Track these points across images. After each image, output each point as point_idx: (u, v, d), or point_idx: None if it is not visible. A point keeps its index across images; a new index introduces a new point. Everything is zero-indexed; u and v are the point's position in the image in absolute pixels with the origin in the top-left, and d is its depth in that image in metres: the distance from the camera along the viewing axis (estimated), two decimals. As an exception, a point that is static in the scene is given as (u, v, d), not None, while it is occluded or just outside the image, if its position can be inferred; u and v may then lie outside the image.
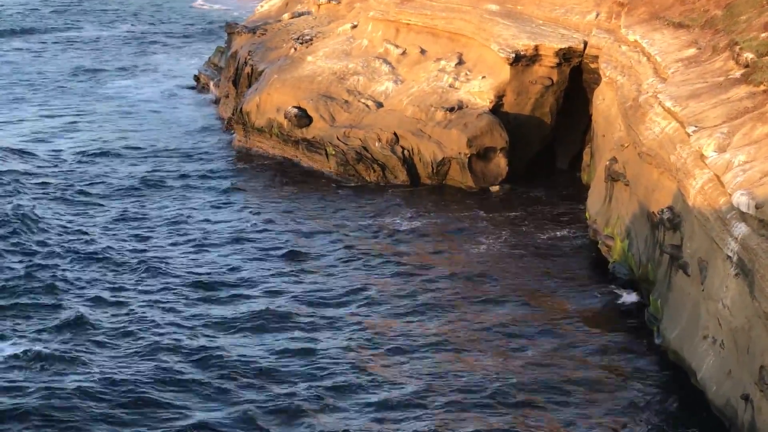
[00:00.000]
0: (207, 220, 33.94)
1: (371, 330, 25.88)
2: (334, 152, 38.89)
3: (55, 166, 39.92)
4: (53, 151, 42.03)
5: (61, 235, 31.95)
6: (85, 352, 23.89)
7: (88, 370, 22.85)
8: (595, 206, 31.53)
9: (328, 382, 22.95)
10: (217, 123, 47.40)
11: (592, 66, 36.51)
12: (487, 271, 30.00)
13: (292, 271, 29.73)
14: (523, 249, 31.89)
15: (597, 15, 37.85)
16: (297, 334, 25.48)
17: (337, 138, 39.05)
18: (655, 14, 34.04)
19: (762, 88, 24.71)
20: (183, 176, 38.88)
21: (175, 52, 64.51)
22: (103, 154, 41.47)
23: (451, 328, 26.11)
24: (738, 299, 20.23)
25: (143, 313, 26.35)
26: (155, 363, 23.45)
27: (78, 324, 25.33)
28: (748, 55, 26.28)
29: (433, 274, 29.62)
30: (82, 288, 27.86)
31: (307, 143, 40.06)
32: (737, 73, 26.37)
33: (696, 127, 24.48)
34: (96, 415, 21.03)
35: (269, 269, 29.84)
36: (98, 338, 24.71)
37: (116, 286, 28.26)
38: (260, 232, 32.90)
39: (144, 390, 22.15)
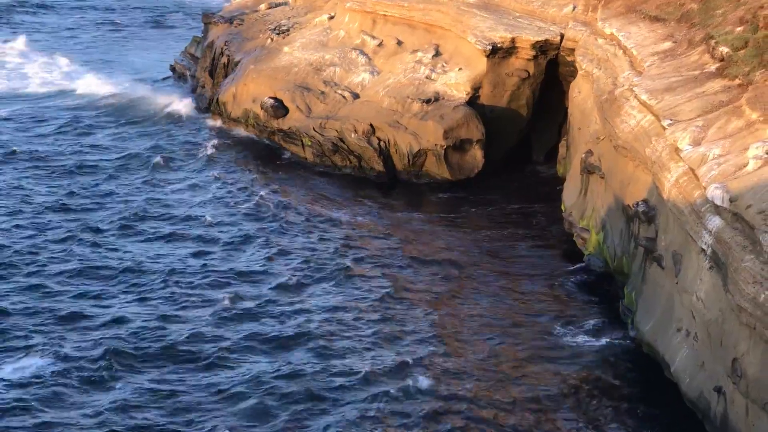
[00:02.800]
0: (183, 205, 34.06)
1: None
2: (310, 143, 38.82)
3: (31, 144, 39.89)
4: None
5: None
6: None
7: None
8: (570, 199, 31.59)
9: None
10: (193, 113, 47.03)
11: (569, 59, 36.55)
12: (460, 262, 30.09)
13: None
14: (497, 240, 31.97)
15: (574, 8, 37.90)
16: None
17: (314, 129, 38.97)
18: (631, 7, 34.12)
19: (737, 82, 24.83)
20: (156, 164, 38.59)
21: (149, 42, 63.97)
22: (72, 145, 40.97)
23: (417, 319, 26.20)
24: (712, 292, 20.33)
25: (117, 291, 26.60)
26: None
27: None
28: (724, 49, 26.38)
29: (398, 268, 29.64)
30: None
31: (284, 134, 39.97)
32: (712, 66, 26.47)
33: (671, 120, 24.56)
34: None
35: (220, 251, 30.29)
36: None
37: (88, 265, 28.67)
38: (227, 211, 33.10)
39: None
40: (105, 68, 54.96)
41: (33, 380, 22.32)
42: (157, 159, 38.74)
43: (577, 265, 29.58)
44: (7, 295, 26.66)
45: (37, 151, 39.29)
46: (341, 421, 21.18)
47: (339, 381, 22.77)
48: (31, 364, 23.03)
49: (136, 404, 21.51)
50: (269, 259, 29.81)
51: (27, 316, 25.51)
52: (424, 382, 22.90)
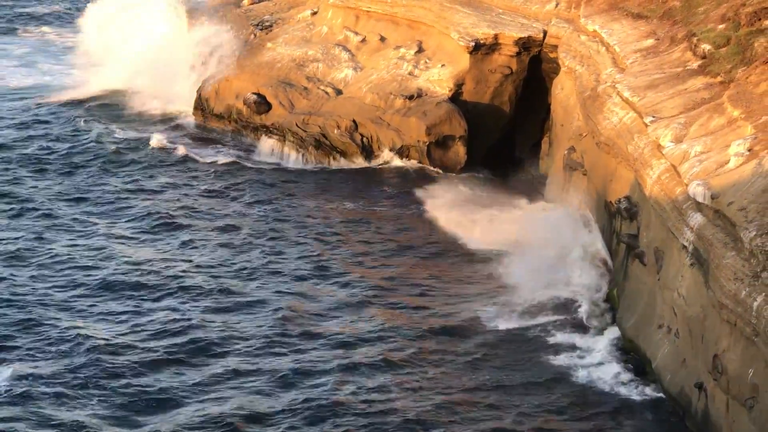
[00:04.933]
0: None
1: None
2: (293, 139, 38.78)
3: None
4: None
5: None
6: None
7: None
8: (553, 195, 31.67)
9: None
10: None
11: (552, 55, 36.59)
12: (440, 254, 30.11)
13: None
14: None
15: (557, 4, 37.92)
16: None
17: (296, 125, 38.92)
18: (614, 4, 34.19)
19: (719, 79, 24.94)
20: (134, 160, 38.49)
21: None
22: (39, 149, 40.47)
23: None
24: (693, 289, 20.42)
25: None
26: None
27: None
28: (706, 47, 26.50)
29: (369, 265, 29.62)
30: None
31: (266, 130, 39.89)
32: (694, 64, 26.58)
33: (653, 117, 24.66)
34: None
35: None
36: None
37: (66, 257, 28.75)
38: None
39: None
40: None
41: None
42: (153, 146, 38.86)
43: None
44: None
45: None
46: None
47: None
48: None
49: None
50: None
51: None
52: (407, 383, 22.94)
